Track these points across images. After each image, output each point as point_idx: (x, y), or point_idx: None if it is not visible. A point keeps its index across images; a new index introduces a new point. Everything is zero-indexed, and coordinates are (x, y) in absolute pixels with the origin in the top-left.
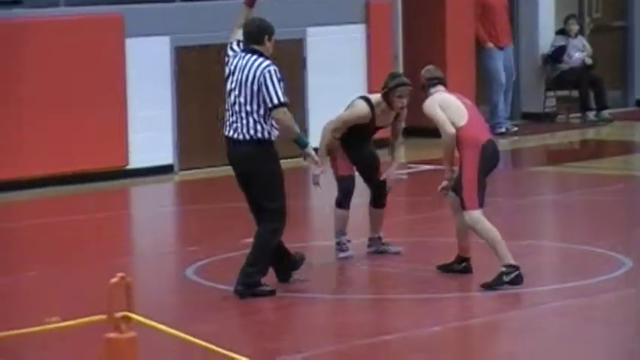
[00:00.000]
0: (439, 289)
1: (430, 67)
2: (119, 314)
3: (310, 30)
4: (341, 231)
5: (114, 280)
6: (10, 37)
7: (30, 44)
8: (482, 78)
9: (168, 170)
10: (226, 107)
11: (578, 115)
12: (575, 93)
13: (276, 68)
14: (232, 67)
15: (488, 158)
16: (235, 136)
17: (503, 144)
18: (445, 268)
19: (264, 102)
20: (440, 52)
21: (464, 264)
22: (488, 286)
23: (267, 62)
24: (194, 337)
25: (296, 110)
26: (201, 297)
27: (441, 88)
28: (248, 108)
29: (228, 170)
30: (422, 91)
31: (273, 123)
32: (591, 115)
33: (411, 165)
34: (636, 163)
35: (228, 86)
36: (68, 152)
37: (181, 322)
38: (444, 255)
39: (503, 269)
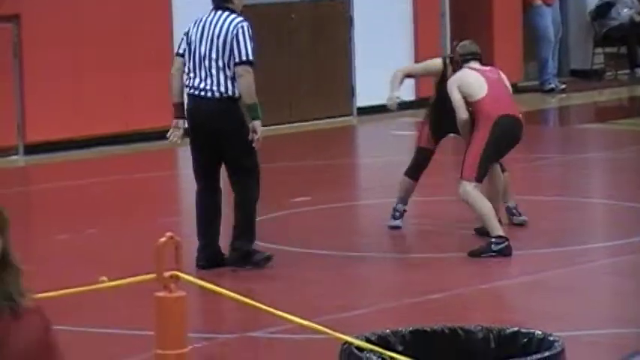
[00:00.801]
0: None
1: (465, 42)
2: (168, 273)
3: None
4: (401, 199)
5: (162, 239)
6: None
7: (80, 2)
8: (531, 35)
9: None
10: (190, 65)
11: (627, 71)
12: (624, 49)
13: (248, 25)
14: (199, 27)
15: (503, 134)
16: (204, 93)
17: (551, 101)
18: (480, 231)
19: (233, 57)
20: (487, 9)
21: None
22: (475, 254)
23: (240, 18)
24: (242, 295)
25: (342, 69)
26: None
27: (474, 64)
28: (220, 63)
29: (286, 129)
30: (455, 66)
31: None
32: (639, 71)
33: None
34: None
35: (193, 45)
36: (125, 111)
37: (230, 281)
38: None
39: (493, 240)
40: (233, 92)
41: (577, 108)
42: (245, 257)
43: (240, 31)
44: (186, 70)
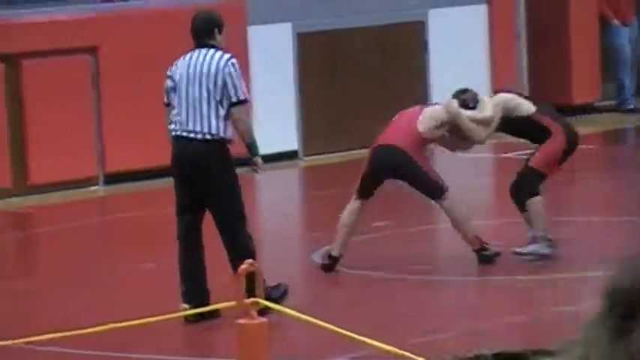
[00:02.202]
0: (570, 268)
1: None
2: (249, 300)
3: (431, 12)
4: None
5: (243, 266)
6: (137, 27)
7: (158, 33)
8: (608, 55)
9: (293, 156)
10: (178, 106)
11: None
12: None
13: (237, 61)
14: (185, 66)
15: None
16: (192, 135)
17: (631, 120)
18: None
19: (228, 97)
20: (564, 30)
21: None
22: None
23: (229, 54)
24: (322, 321)
25: (417, 93)
26: (328, 281)
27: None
28: (212, 103)
29: (351, 155)
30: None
31: (228, 126)
32: None
33: None
34: None
35: (180, 85)
36: None
37: (309, 306)
38: (572, 233)
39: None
40: (225, 134)
41: None
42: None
43: (232, 69)
44: (175, 111)
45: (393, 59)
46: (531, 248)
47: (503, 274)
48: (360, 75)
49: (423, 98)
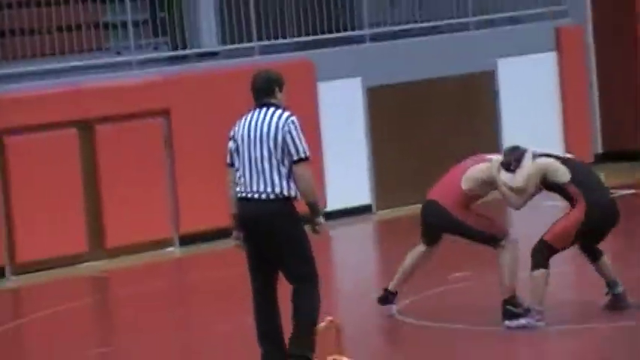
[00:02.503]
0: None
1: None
2: (330, 358)
3: (501, 61)
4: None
5: (323, 323)
6: (207, 88)
7: (228, 94)
8: None
9: (367, 210)
10: (241, 168)
11: None
12: None
13: (298, 119)
14: (246, 127)
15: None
16: (257, 196)
17: None
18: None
19: (289, 155)
20: (634, 76)
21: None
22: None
23: (288, 113)
24: None
25: (489, 144)
26: (409, 335)
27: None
28: (274, 162)
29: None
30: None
31: (292, 184)
32: None
33: (614, 189)
34: None
35: (242, 147)
36: None
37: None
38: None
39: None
40: (289, 192)
41: None
42: None
43: (292, 127)
44: (239, 174)
45: (463, 110)
46: (522, 322)
47: (580, 322)
48: (430, 126)
49: (494, 147)
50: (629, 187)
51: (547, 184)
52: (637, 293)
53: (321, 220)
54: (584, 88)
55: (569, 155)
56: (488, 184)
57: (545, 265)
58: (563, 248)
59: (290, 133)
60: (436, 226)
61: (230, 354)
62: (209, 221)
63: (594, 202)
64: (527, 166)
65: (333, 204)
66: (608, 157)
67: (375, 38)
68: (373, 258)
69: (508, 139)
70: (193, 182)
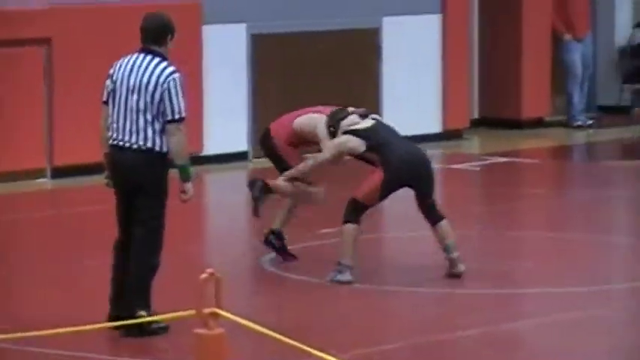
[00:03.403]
0: (514, 284)
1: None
2: (207, 310)
3: (386, 19)
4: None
5: (203, 276)
6: (92, 21)
7: (114, 29)
8: (559, 69)
9: (243, 157)
10: (115, 113)
11: None
12: None
13: (180, 76)
14: (127, 71)
15: None
16: (128, 145)
17: (578, 137)
18: None
19: (164, 114)
20: (516, 42)
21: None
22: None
23: (172, 68)
24: (277, 331)
25: (370, 100)
26: (279, 288)
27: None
28: (148, 117)
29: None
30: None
31: (164, 139)
32: None
33: (485, 157)
34: None
35: (119, 92)
36: None
37: (260, 314)
38: (519, 247)
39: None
40: (161, 147)
41: (604, 144)
42: (141, 326)
43: (172, 84)
44: (111, 118)
45: (346, 65)
46: (331, 274)
47: (444, 286)
48: (313, 79)
49: (375, 103)
50: (503, 154)
51: (349, 155)
52: (482, 258)
53: (189, 186)
54: (465, 52)
55: (373, 117)
56: (314, 134)
57: (356, 221)
58: (373, 205)
59: (169, 91)
60: (267, 156)
61: (101, 291)
62: (83, 156)
63: (392, 159)
64: (334, 141)
65: (210, 149)
66: (485, 123)
67: None
68: (244, 206)
69: (388, 97)
70: (70, 115)
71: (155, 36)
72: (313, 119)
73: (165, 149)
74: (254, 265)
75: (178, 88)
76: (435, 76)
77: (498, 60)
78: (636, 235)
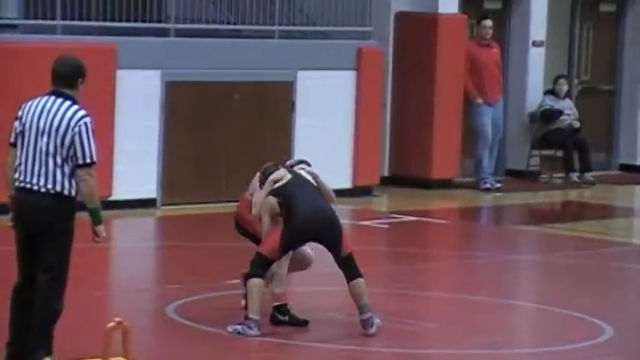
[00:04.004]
0: (418, 344)
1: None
2: (114, 359)
3: (301, 73)
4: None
5: (111, 324)
6: (1, 60)
7: (23, 69)
8: (470, 132)
9: (152, 204)
10: (23, 156)
11: (561, 175)
12: (560, 153)
13: (91, 120)
14: (36, 114)
15: None
16: (36, 187)
17: (486, 199)
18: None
19: (75, 157)
20: (428, 103)
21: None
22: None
23: (83, 112)
24: None
25: (282, 152)
26: (182, 337)
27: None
28: (58, 160)
29: (213, 208)
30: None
31: (73, 182)
32: (574, 176)
33: (393, 215)
34: (617, 228)
35: (27, 135)
36: None
37: None
38: (424, 308)
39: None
40: (70, 191)
41: (511, 208)
42: None
43: (84, 129)
44: (19, 160)
45: (260, 116)
46: (238, 327)
47: (352, 344)
48: (226, 129)
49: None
50: (411, 213)
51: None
52: (387, 317)
53: (101, 228)
54: (378, 110)
55: (300, 167)
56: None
57: (260, 276)
58: (277, 257)
59: (80, 135)
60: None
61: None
62: None
63: (296, 214)
64: (253, 201)
65: (119, 194)
66: (395, 181)
67: (181, 34)
68: (151, 253)
69: (300, 150)
70: None
71: (68, 78)
72: (254, 179)
73: (73, 193)
74: (160, 313)
75: (90, 132)
76: (348, 132)
77: (410, 119)
78: (539, 301)
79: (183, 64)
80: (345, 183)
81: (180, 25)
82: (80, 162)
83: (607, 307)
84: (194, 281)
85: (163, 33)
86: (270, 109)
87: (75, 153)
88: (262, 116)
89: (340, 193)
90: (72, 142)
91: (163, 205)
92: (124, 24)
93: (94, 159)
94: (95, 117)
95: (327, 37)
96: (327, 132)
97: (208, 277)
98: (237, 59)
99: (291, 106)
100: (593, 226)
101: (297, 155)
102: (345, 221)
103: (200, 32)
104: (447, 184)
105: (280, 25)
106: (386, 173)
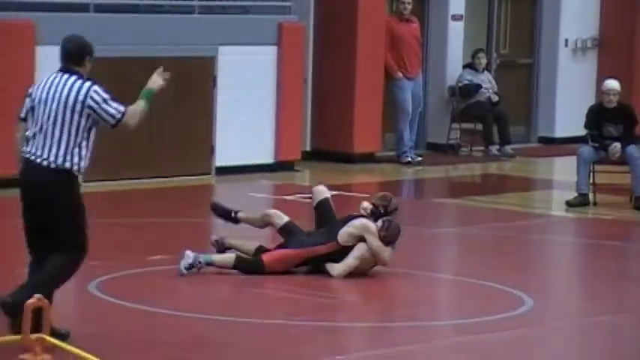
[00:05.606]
0: (341, 317)
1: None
2: (34, 336)
3: (222, 49)
4: None
5: (31, 301)
6: None
7: None
8: (390, 106)
9: None
10: (32, 129)
11: (481, 148)
12: (480, 126)
13: (99, 84)
14: (45, 90)
15: None
16: (39, 160)
17: (408, 173)
18: None
19: (104, 122)
20: (349, 78)
21: None
22: None
23: (89, 83)
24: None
25: (203, 128)
26: (107, 314)
27: None
28: (64, 134)
29: (134, 184)
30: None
31: (82, 154)
32: (494, 149)
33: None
34: (537, 200)
35: (37, 109)
36: None
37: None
38: (346, 281)
39: None
40: (71, 165)
41: (432, 182)
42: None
43: (96, 96)
44: (30, 132)
45: (181, 93)
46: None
47: (272, 317)
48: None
49: (208, 132)
50: (333, 187)
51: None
52: (307, 291)
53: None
54: (299, 85)
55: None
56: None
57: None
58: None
59: (97, 104)
60: None
61: None
62: None
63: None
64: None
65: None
66: (317, 155)
67: (100, 9)
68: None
69: (221, 126)
70: None
71: (74, 57)
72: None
73: (76, 167)
74: (83, 290)
75: (102, 95)
76: (269, 108)
77: (332, 94)
78: (460, 273)
79: (103, 39)
80: (268, 158)
81: (99, 1)
82: (113, 122)
83: (527, 279)
84: (115, 258)
85: (83, 8)
86: (192, 85)
87: (104, 119)
88: (184, 92)
89: (262, 167)
90: (89, 115)
91: (85, 181)
92: None
93: (121, 110)
94: (14, 94)
95: (247, 12)
96: (248, 107)
97: (130, 254)
98: (157, 35)
99: (213, 81)
100: (513, 199)
101: (220, 131)
102: (268, 196)
103: (120, 8)
104: (368, 159)
105: (200, 0)
106: (308, 148)
